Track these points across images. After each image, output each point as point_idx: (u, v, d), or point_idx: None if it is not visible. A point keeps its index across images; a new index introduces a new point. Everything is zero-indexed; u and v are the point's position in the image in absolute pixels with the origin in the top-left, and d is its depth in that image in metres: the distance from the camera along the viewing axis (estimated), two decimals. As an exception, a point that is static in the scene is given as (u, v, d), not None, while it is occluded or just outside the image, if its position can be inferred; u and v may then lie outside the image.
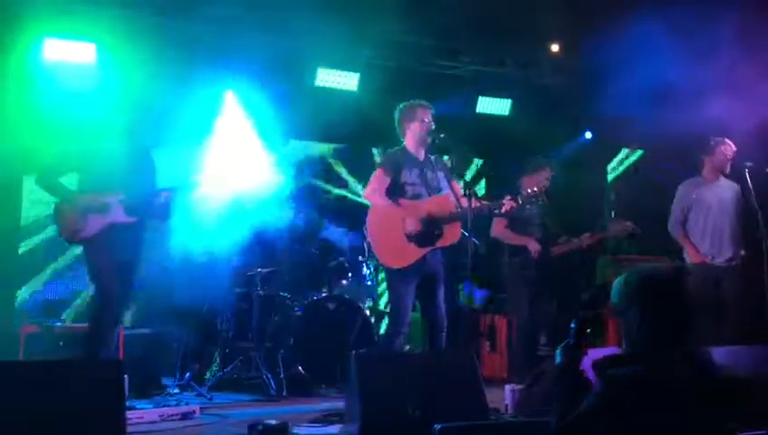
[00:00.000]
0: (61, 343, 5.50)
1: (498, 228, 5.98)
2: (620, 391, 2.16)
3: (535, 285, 5.89)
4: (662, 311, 2.29)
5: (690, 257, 5.88)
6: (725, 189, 5.91)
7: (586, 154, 8.47)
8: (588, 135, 8.52)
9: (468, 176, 8.27)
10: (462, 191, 4.67)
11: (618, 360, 2.30)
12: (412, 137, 4.84)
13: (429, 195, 4.75)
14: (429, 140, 4.80)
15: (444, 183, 4.82)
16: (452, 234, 4.68)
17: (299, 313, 5.99)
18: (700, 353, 2.33)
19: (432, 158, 4.91)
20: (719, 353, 4.32)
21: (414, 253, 4.63)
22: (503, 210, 4.67)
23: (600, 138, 8.52)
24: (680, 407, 2.14)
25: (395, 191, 4.73)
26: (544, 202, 4.82)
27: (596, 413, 2.17)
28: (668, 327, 2.28)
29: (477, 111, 7.96)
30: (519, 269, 5.89)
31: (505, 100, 8.02)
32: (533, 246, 5.81)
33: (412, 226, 4.64)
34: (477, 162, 8.60)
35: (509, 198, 4.67)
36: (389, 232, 4.66)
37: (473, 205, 4.48)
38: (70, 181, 4.74)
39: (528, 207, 4.93)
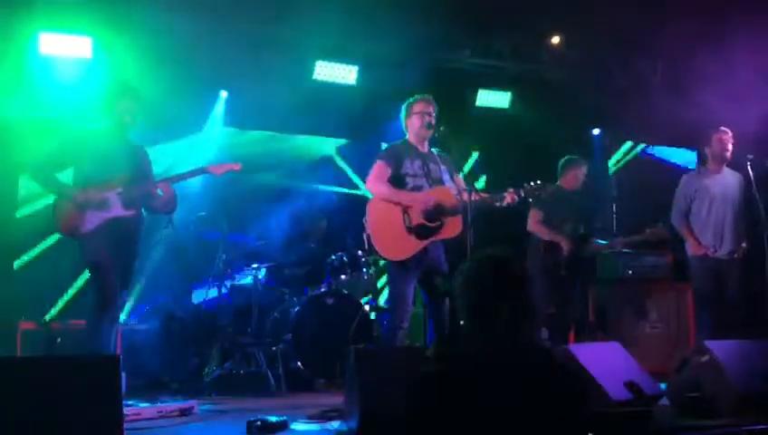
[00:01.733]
0: (58, 340, 5.48)
1: (533, 222, 5.97)
2: (428, 391, 2.03)
3: (560, 283, 5.88)
4: (476, 299, 2.16)
5: (692, 249, 5.87)
6: (729, 181, 5.88)
7: (585, 147, 8.44)
8: (596, 131, 8.49)
9: (466, 169, 8.24)
10: (464, 185, 4.65)
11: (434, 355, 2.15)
12: (412, 130, 4.85)
13: (431, 187, 4.73)
14: (429, 133, 4.78)
15: (446, 176, 4.80)
16: (452, 227, 4.65)
17: (298, 308, 5.97)
18: (530, 348, 2.17)
19: (435, 151, 4.91)
20: (720, 347, 4.31)
21: (414, 245, 4.60)
22: (504, 203, 4.63)
23: (603, 132, 8.51)
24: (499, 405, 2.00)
25: (395, 183, 4.70)
26: (546, 194, 4.81)
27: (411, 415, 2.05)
28: (482, 317, 2.13)
29: (477, 104, 7.93)
30: (550, 267, 5.87)
31: (505, 93, 7.98)
32: (567, 246, 5.81)
33: (412, 218, 4.61)
34: (474, 155, 8.56)
35: (510, 190, 4.64)
36: (389, 224, 4.63)
37: (473, 198, 4.46)
38: (65, 176, 4.71)
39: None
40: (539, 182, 4.68)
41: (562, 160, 6.18)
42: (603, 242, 6.08)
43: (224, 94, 7.15)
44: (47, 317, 6.12)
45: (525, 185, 4.68)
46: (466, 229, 4.50)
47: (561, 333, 5.93)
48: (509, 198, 4.60)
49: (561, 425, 2.06)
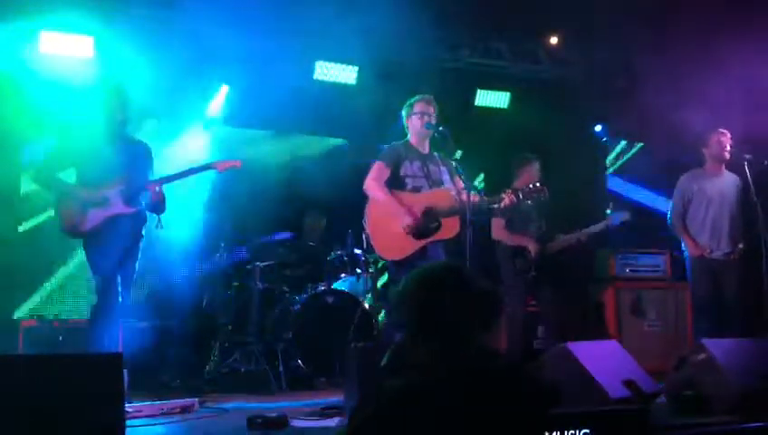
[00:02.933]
0: (60, 337, 5.50)
1: (496, 230, 5.95)
2: (387, 406, 1.92)
3: (533, 283, 5.90)
4: (424, 310, 2.05)
5: (689, 250, 5.89)
6: (727, 182, 5.88)
7: (584, 146, 8.46)
8: (598, 128, 8.49)
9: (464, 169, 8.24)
10: (464, 187, 4.67)
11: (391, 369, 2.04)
12: (413, 130, 4.87)
13: (430, 188, 4.75)
14: (429, 133, 4.81)
15: (446, 177, 4.82)
16: (450, 228, 4.68)
17: (298, 306, 5.99)
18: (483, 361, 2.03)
19: (436, 153, 4.92)
20: (720, 347, 4.34)
21: (411, 245, 4.63)
22: (502, 205, 4.65)
23: (601, 131, 8.52)
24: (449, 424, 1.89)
25: (394, 183, 4.73)
26: (545, 197, 4.80)
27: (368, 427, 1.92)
28: (431, 331, 2.03)
29: (476, 103, 7.94)
30: (521, 271, 5.87)
31: (504, 93, 8.00)
32: (533, 247, 5.81)
33: (410, 218, 4.64)
34: (473, 155, 8.56)
35: (509, 192, 4.65)
36: (388, 225, 4.66)
37: (472, 199, 4.47)
38: (68, 176, 4.73)
39: (528, 202, 4.90)
40: (537, 185, 4.70)
41: (514, 160, 6.09)
42: (572, 235, 6.05)
43: (225, 88, 7.15)
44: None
45: (524, 187, 4.69)
46: (465, 230, 4.52)
47: (552, 332, 5.93)
48: (507, 199, 4.62)
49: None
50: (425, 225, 4.63)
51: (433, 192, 4.73)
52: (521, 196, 4.64)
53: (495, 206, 4.66)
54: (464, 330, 2.04)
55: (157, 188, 4.68)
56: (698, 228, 5.84)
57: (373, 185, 4.72)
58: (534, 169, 5.99)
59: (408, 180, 4.75)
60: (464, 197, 4.52)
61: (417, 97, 4.90)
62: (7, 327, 5.66)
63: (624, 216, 6.02)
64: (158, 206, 4.74)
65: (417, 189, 4.74)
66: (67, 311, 6.48)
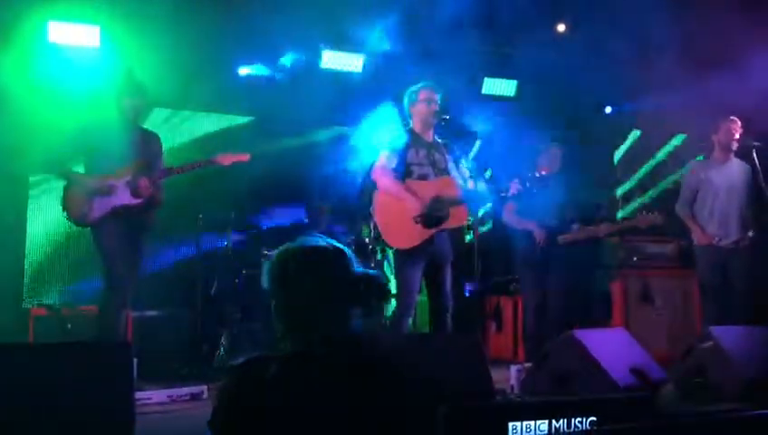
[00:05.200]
0: (69, 326, 5.54)
1: (506, 213, 5.97)
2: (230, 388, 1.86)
3: (543, 269, 5.89)
4: (288, 292, 1.98)
5: (697, 239, 5.87)
6: (736, 170, 5.84)
7: (596, 134, 8.43)
8: (608, 109, 8.45)
9: (472, 157, 8.23)
10: (468, 174, 4.67)
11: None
12: (418, 119, 4.85)
13: (436, 176, 4.75)
14: (434, 121, 4.80)
15: (451, 165, 4.82)
16: (458, 216, 4.68)
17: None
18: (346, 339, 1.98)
19: (440, 140, 4.92)
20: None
21: (420, 234, 4.63)
22: (510, 193, 4.65)
23: (608, 118, 8.50)
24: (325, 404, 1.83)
25: (401, 172, 4.72)
26: (555, 185, 4.80)
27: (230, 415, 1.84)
28: (295, 312, 1.97)
29: (483, 92, 7.91)
30: (526, 255, 5.89)
31: (511, 81, 7.97)
32: (538, 233, 5.81)
33: (418, 206, 4.64)
34: (479, 144, 8.56)
35: (515, 181, 4.66)
36: (397, 213, 4.65)
37: (479, 187, 4.48)
38: (78, 165, 4.76)
39: (535, 190, 4.89)
40: (540, 173, 4.69)
41: (540, 144, 6.07)
42: (591, 228, 6.01)
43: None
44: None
45: (529, 175, 4.70)
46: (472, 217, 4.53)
47: (558, 321, 5.92)
48: (513, 188, 4.62)
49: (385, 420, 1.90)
50: (433, 213, 4.63)
51: (440, 180, 4.73)
52: (527, 184, 4.64)
53: (503, 194, 4.67)
54: (310, 314, 1.98)
55: (158, 181, 4.70)
56: (706, 217, 5.81)
57: (381, 173, 4.71)
58: (554, 154, 5.98)
59: (414, 168, 4.73)
60: (470, 185, 4.52)
61: (421, 84, 4.87)
62: (17, 316, 5.70)
63: (657, 219, 5.92)
64: (153, 202, 4.74)
65: (423, 177, 4.73)
66: (76, 300, 6.50)
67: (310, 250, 2.04)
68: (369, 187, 4.82)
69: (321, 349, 1.94)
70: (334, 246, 2.08)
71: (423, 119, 4.82)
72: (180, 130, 7.18)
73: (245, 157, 4.91)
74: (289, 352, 1.95)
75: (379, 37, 6.80)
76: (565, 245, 5.86)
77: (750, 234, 5.79)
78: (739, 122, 5.81)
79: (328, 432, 1.85)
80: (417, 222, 4.61)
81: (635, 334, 4.69)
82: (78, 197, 4.63)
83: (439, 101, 4.82)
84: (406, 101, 4.89)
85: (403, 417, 1.92)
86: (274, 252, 2.07)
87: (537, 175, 4.70)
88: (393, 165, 4.71)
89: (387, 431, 1.89)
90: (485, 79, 7.87)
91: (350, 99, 7.16)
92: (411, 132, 4.86)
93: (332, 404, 1.85)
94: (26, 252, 6.46)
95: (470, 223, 6.44)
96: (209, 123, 7.39)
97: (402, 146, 4.75)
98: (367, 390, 1.91)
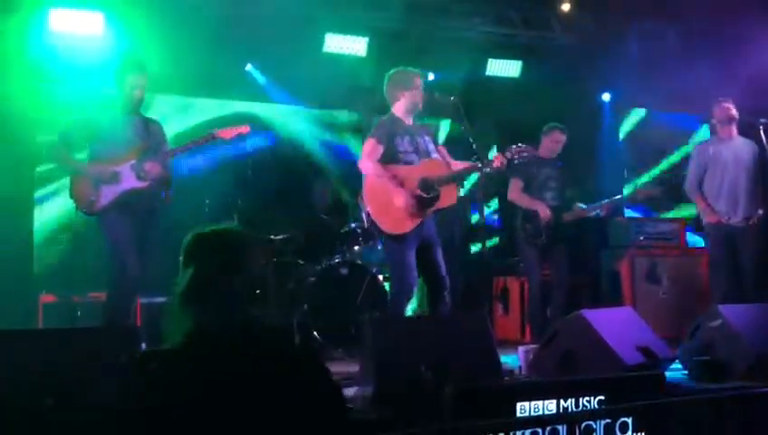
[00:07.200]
0: (78, 313, 5.56)
1: (512, 191, 5.98)
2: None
3: (547, 249, 5.90)
4: (198, 270, 2.04)
5: (705, 217, 5.86)
6: (742, 148, 5.84)
7: (597, 115, 8.42)
8: (606, 97, 8.44)
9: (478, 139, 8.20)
10: (446, 153, 4.74)
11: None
12: (404, 104, 4.79)
13: (420, 160, 4.73)
14: (420, 106, 4.78)
15: (431, 147, 4.81)
16: (448, 195, 4.67)
17: (313, 279, 6.02)
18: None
19: (417, 123, 4.90)
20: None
21: (411, 220, 4.61)
22: (493, 166, 4.62)
23: (614, 98, 8.47)
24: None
25: (388, 159, 4.69)
26: (532, 156, 4.78)
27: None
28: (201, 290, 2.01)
29: (487, 73, 7.87)
30: (530, 235, 5.90)
31: (516, 61, 7.92)
32: (544, 212, 5.80)
33: (409, 191, 4.61)
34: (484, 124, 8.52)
35: (497, 154, 4.64)
36: (386, 200, 4.62)
37: (463, 164, 4.55)
38: (82, 153, 4.76)
39: (516, 162, 4.82)
40: (521, 145, 4.66)
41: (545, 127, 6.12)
42: (584, 206, 6.04)
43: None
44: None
45: (510, 147, 4.67)
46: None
47: (560, 300, 5.93)
48: (496, 162, 4.59)
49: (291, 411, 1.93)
50: (425, 195, 4.61)
51: (425, 163, 4.71)
52: (509, 156, 4.62)
53: (487, 169, 4.63)
54: (238, 298, 2.04)
55: (165, 161, 4.71)
56: (715, 195, 5.81)
57: (367, 162, 4.68)
58: (555, 137, 6.00)
59: (400, 155, 4.69)
60: (453, 164, 4.57)
61: (414, 70, 4.82)
62: (27, 303, 5.73)
63: (656, 192, 5.96)
64: (159, 183, 4.74)
65: (409, 163, 4.70)
66: (85, 286, 6.53)
67: (213, 234, 2.14)
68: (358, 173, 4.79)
69: (215, 329, 2.00)
70: (248, 236, 2.18)
71: (411, 105, 4.78)
72: (186, 116, 7.18)
73: (246, 129, 4.89)
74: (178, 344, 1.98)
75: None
76: (568, 223, 5.88)
77: (760, 212, 5.77)
78: (730, 99, 5.81)
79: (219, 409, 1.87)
80: (409, 210, 4.57)
81: (642, 314, 4.68)
82: (85, 186, 4.64)
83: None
84: (393, 83, 4.81)
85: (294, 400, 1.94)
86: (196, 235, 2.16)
87: (518, 147, 4.66)
88: (380, 153, 4.67)
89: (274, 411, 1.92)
90: (489, 60, 7.83)
91: (356, 83, 7.15)
92: (393, 118, 4.80)
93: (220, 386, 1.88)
94: (36, 240, 6.48)
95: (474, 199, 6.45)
96: (218, 109, 7.38)
97: (387, 133, 4.71)
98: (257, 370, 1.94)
